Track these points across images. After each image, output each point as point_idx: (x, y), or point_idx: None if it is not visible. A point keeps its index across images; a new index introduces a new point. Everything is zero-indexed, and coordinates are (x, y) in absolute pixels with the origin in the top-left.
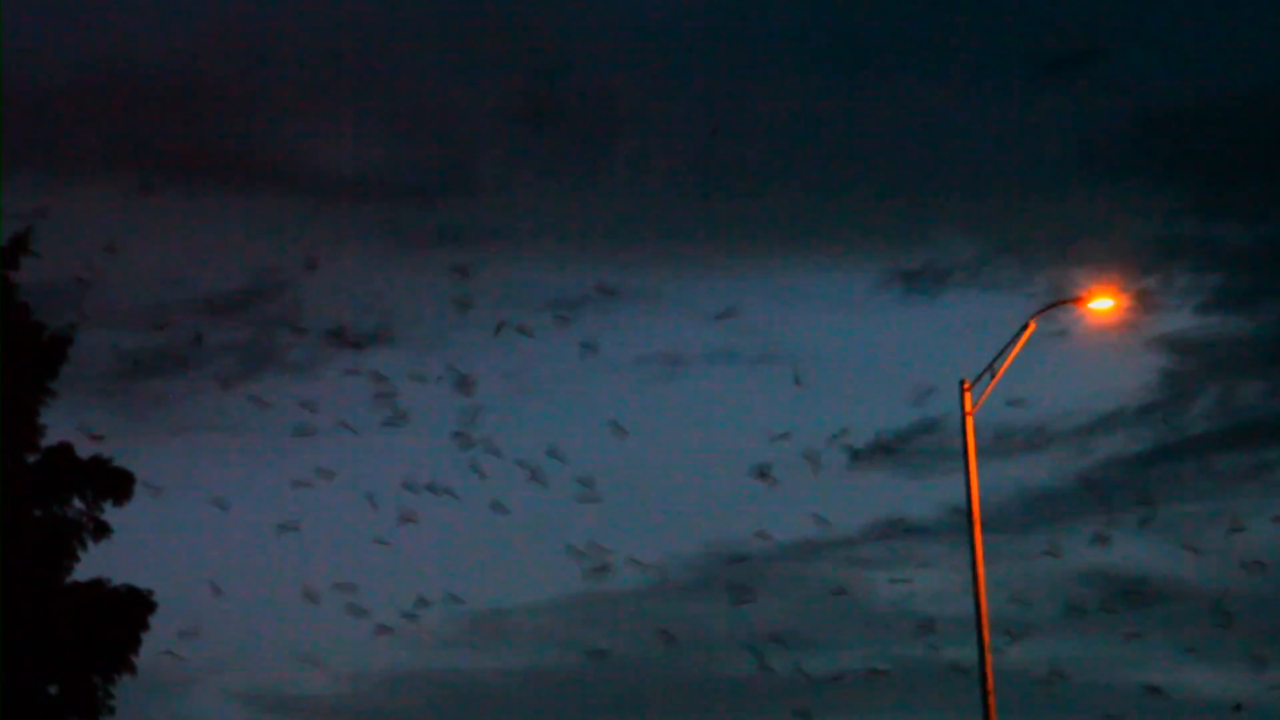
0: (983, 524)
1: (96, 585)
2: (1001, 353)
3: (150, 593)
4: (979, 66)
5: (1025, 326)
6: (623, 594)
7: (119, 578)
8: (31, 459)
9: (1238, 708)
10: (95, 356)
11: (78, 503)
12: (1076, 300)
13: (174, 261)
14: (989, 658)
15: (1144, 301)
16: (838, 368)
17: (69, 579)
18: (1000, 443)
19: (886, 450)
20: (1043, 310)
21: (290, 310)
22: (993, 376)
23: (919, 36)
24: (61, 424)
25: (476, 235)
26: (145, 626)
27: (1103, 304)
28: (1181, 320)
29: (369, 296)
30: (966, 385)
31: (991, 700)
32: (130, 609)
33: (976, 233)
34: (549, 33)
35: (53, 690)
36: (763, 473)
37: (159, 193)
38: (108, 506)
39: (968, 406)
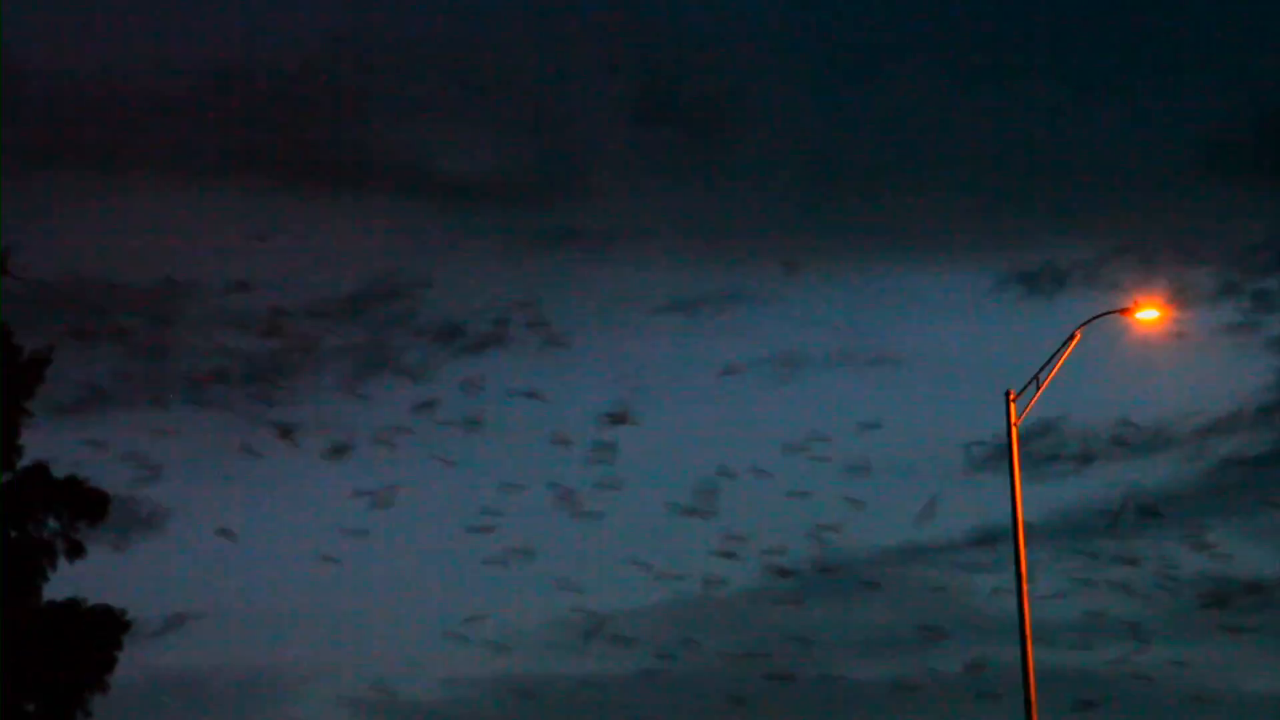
0: (1098, 526)
1: (73, 605)
2: (1048, 363)
3: (124, 612)
4: (1097, 66)
5: (1072, 336)
6: (729, 598)
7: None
8: (7, 478)
9: None
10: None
11: (52, 523)
12: (1124, 310)
13: (293, 264)
14: (1031, 665)
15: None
16: (956, 369)
17: (45, 598)
18: (1118, 445)
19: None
20: (1089, 320)
21: (409, 312)
22: (1039, 387)
23: (1039, 37)
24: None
25: (594, 236)
26: (120, 645)
27: (1149, 314)
28: None
29: (487, 299)
30: (1012, 396)
31: (1034, 710)
32: (105, 628)
33: (1095, 233)
34: (665, 33)
35: (30, 708)
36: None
37: (279, 195)
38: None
39: (1013, 417)
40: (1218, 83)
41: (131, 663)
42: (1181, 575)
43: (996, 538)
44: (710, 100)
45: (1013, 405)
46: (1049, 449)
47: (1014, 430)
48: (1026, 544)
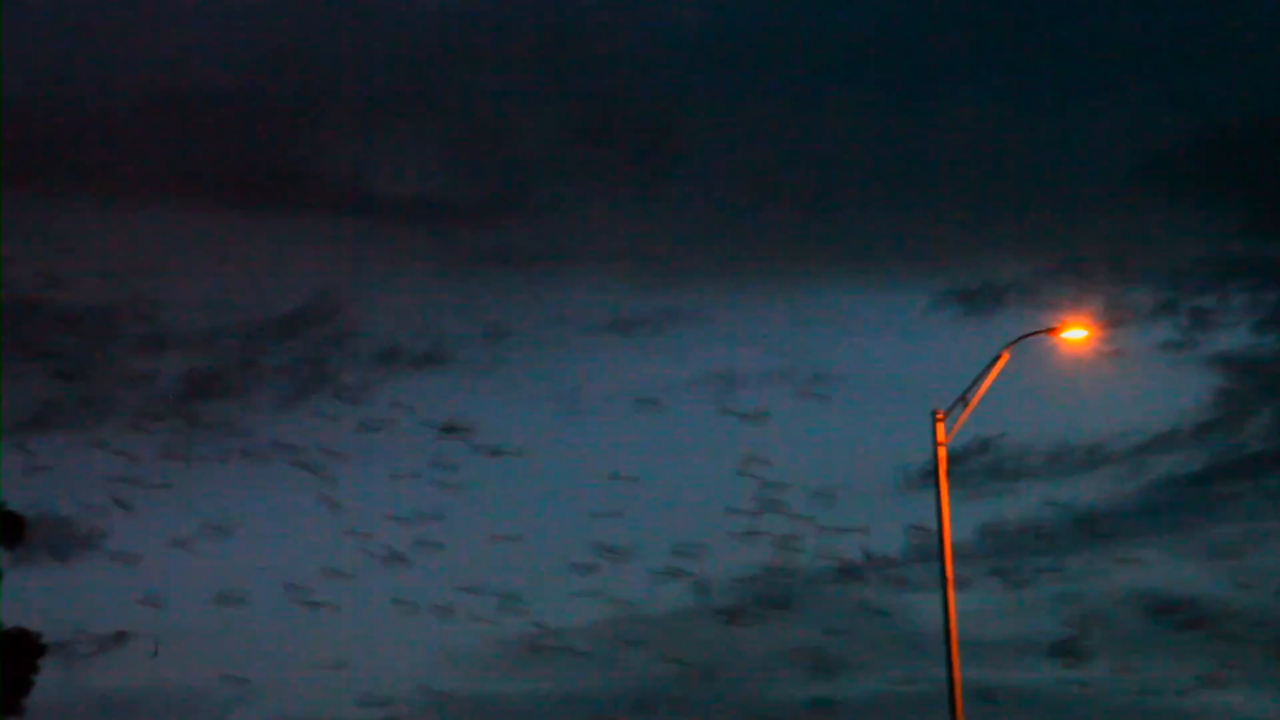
0: (1035, 545)
1: None
2: (974, 383)
3: (39, 635)
4: (1034, 85)
5: (998, 357)
6: (661, 617)
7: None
8: None
9: None
10: (151, 379)
11: None
12: (1050, 330)
13: (230, 284)
14: (959, 682)
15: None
16: (892, 388)
17: None
18: (1054, 463)
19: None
20: (1016, 340)
21: (345, 332)
22: (965, 406)
23: (974, 56)
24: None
25: (532, 256)
26: (36, 668)
27: (1076, 334)
28: (1238, 339)
29: (426, 318)
30: (940, 416)
31: None
32: (21, 651)
33: (1032, 252)
34: (606, 54)
35: None
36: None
37: (216, 214)
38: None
39: (940, 437)
40: (1155, 101)
41: (70, 682)
42: (1117, 592)
43: (931, 555)
44: (650, 121)
45: (940, 425)
46: (986, 466)
47: (941, 449)
48: (959, 561)
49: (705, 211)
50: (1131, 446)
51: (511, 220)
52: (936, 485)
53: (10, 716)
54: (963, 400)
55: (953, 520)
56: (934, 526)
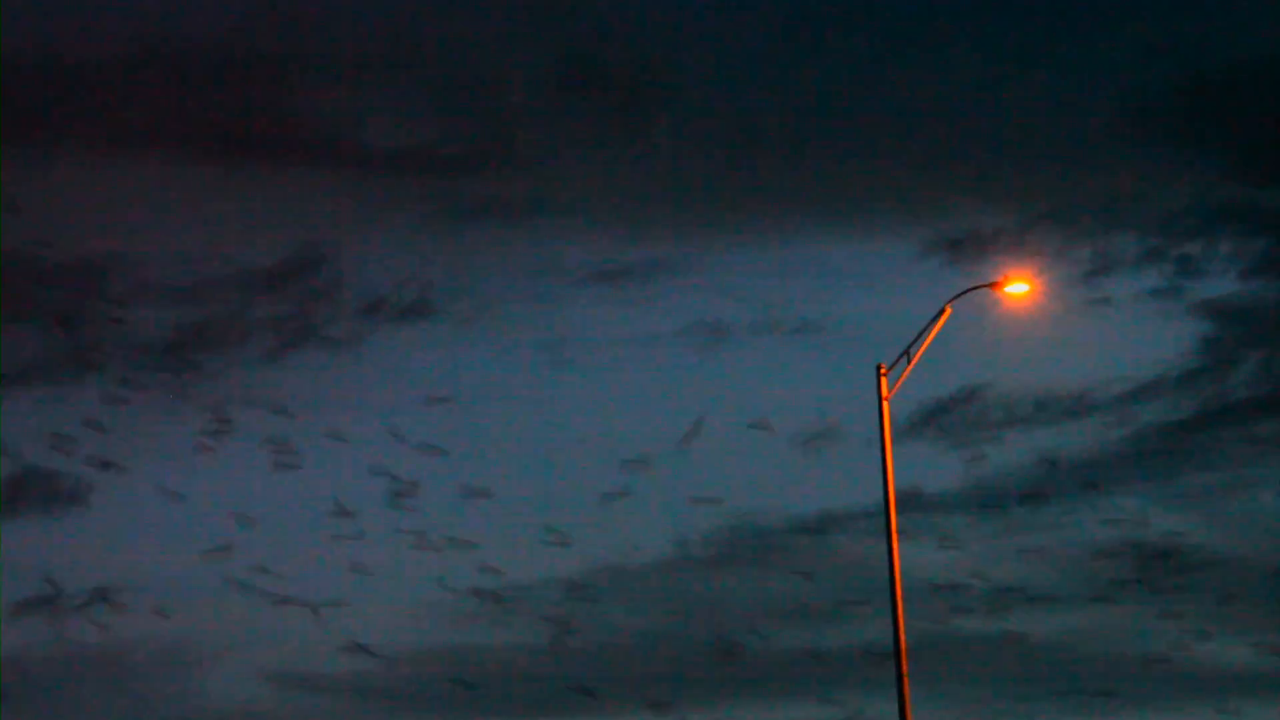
0: (1024, 493)
1: None
2: (918, 337)
3: None
4: (1019, 32)
5: (941, 311)
6: (644, 568)
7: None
8: None
9: None
10: (138, 331)
11: None
12: (993, 285)
13: (215, 236)
14: (904, 640)
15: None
16: (879, 337)
17: None
18: (1042, 410)
19: (926, 421)
20: (959, 295)
21: (331, 284)
22: (909, 361)
23: (959, 4)
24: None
25: (517, 207)
26: None
27: (1019, 288)
28: (1224, 286)
29: (413, 269)
30: (883, 370)
31: (906, 684)
32: None
33: (1018, 200)
34: (591, 5)
35: None
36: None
37: (201, 166)
38: None
39: (884, 391)
40: (1140, 47)
41: (57, 635)
42: (1102, 541)
43: (911, 505)
44: (633, 68)
45: (884, 379)
46: (972, 416)
47: (885, 404)
48: (945, 512)
49: (692, 161)
50: (1118, 394)
51: (497, 171)
52: (881, 438)
53: None
54: (906, 355)
55: (938, 469)
56: (919, 480)
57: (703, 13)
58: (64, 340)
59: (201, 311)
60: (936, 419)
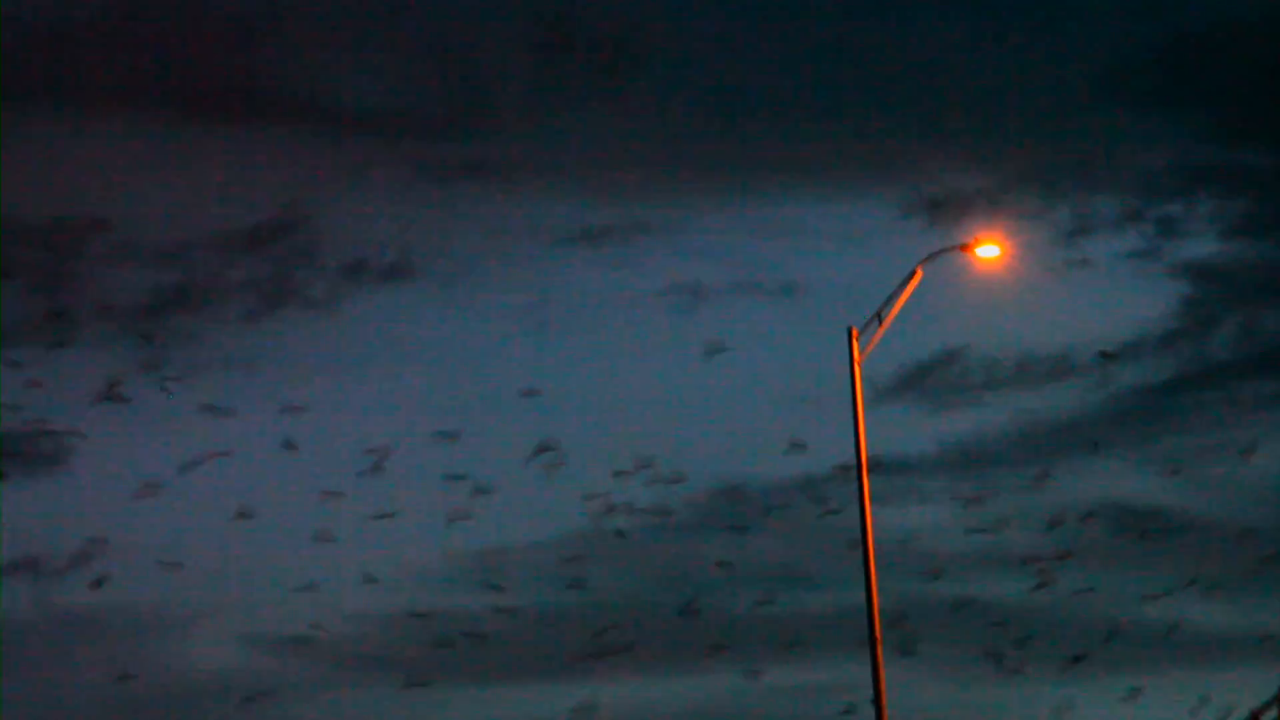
0: (1001, 455)
1: None
2: (889, 299)
3: None
4: None
5: (913, 273)
6: (618, 530)
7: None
8: None
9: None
10: (116, 293)
11: None
12: (963, 247)
13: (195, 197)
14: (876, 604)
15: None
16: (859, 299)
17: None
18: (1022, 372)
19: (906, 385)
20: (930, 257)
21: (310, 245)
22: (880, 324)
23: None
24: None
25: (497, 168)
26: None
27: (989, 250)
28: (1204, 247)
29: (392, 231)
30: (855, 333)
31: (879, 648)
32: None
33: (997, 161)
34: None
35: None
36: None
37: (179, 127)
38: None
39: (855, 354)
40: (1120, 8)
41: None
42: (1083, 504)
43: (888, 468)
44: (615, 31)
45: (855, 342)
46: (953, 378)
47: (856, 367)
48: (922, 475)
49: (671, 123)
50: (1098, 356)
51: (477, 132)
52: (853, 401)
53: None
54: (877, 317)
55: (917, 433)
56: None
57: None
58: (37, 302)
59: (179, 273)
60: (916, 381)
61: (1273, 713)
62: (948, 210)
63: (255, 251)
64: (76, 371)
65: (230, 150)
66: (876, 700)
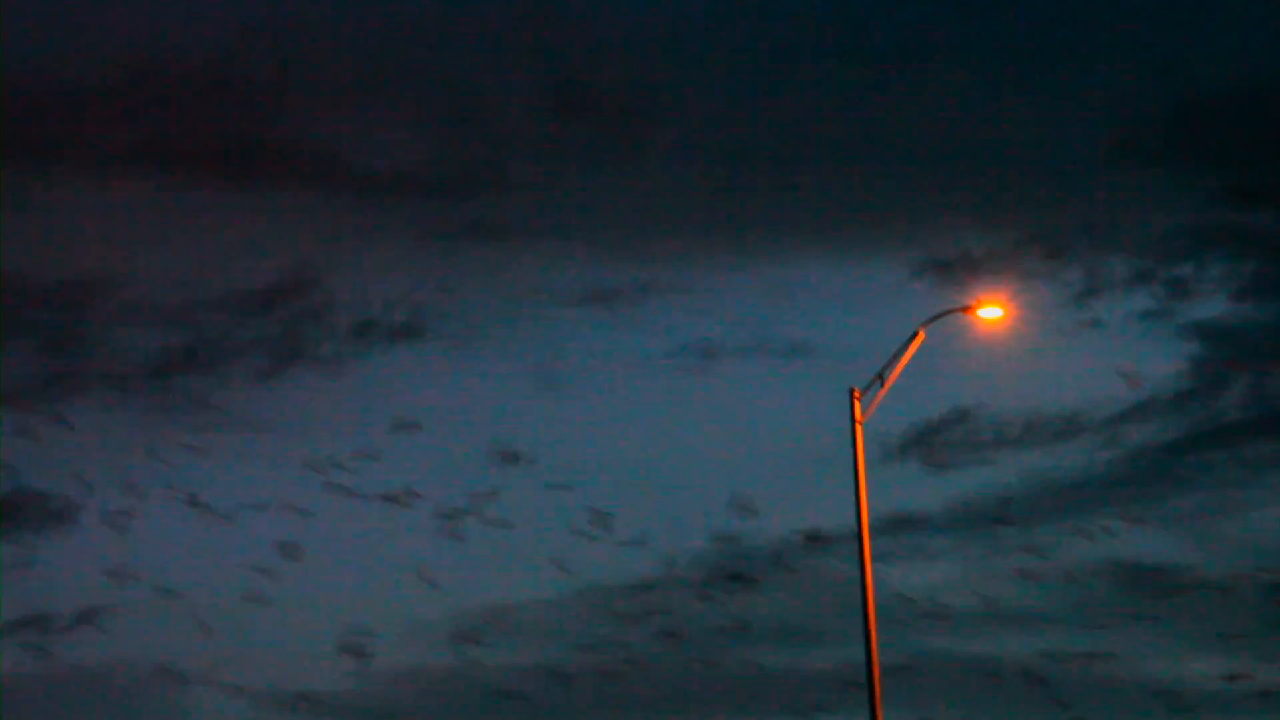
0: (1013, 515)
1: None
2: (891, 361)
3: None
4: (1009, 54)
5: (914, 335)
6: (629, 587)
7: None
8: None
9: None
10: (127, 353)
11: None
12: (966, 309)
13: (205, 257)
14: (876, 664)
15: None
16: (868, 359)
17: None
18: (1030, 433)
19: (916, 443)
20: (932, 319)
21: (321, 305)
22: (882, 385)
23: (949, 25)
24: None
25: (507, 229)
26: None
27: (992, 312)
28: (1215, 308)
29: (401, 292)
30: (856, 394)
31: (879, 707)
32: None
33: (1008, 222)
34: (579, 26)
35: None
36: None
37: (192, 188)
38: None
39: (857, 415)
40: (1132, 70)
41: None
42: (1090, 562)
43: (900, 527)
44: (624, 93)
45: (857, 403)
46: (962, 437)
47: (858, 427)
48: (929, 533)
49: (680, 184)
50: (1108, 416)
51: (487, 194)
52: (854, 462)
53: None
54: (879, 378)
55: (927, 490)
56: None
57: (694, 36)
58: (51, 361)
59: (191, 333)
60: (926, 440)
61: None
62: (957, 271)
63: (265, 311)
64: (84, 429)
65: (240, 211)
66: None
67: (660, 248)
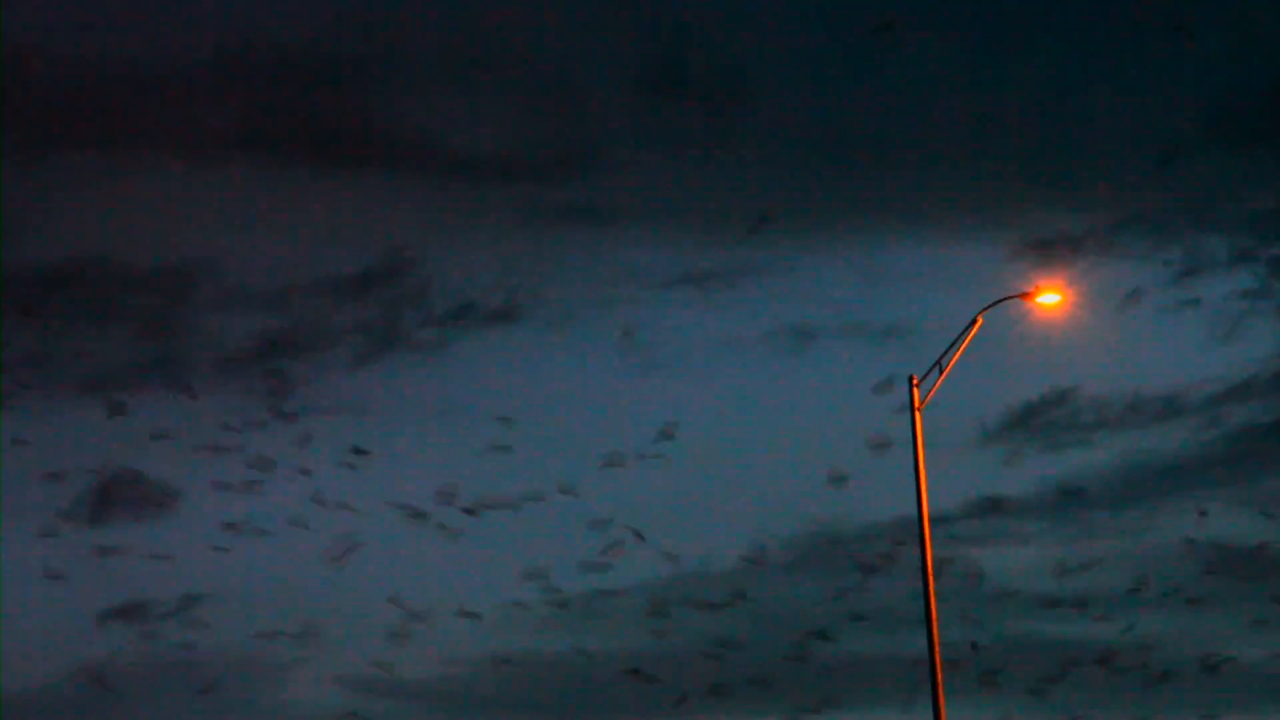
0: (1111, 498)
1: None
2: (950, 348)
3: None
4: (1105, 35)
5: (974, 321)
6: (722, 574)
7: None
8: None
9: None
10: (225, 338)
11: None
12: (1024, 295)
13: (302, 242)
14: (938, 649)
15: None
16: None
17: None
18: (1132, 413)
19: (1016, 424)
20: (991, 305)
21: (417, 290)
22: (941, 372)
23: (1047, 6)
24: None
25: (603, 211)
26: None
27: (1050, 298)
28: None
29: (498, 274)
30: (915, 381)
31: (941, 691)
32: None
33: (1108, 202)
34: (675, 6)
35: None
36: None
37: (288, 172)
38: None
39: (916, 402)
40: (1227, 49)
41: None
42: (1188, 544)
43: (989, 510)
44: (721, 74)
45: (915, 390)
46: (1063, 419)
47: (917, 415)
48: (1022, 516)
49: (777, 165)
50: (1208, 396)
51: (583, 176)
52: (914, 449)
53: None
54: (938, 366)
55: (1026, 472)
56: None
57: (785, 17)
58: (149, 347)
59: (288, 318)
60: (1026, 422)
61: None
62: (1057, 251)
63: (362, 296)
64: (188, 416)
65: (336, 195)
66: None
67: (756, 230)
